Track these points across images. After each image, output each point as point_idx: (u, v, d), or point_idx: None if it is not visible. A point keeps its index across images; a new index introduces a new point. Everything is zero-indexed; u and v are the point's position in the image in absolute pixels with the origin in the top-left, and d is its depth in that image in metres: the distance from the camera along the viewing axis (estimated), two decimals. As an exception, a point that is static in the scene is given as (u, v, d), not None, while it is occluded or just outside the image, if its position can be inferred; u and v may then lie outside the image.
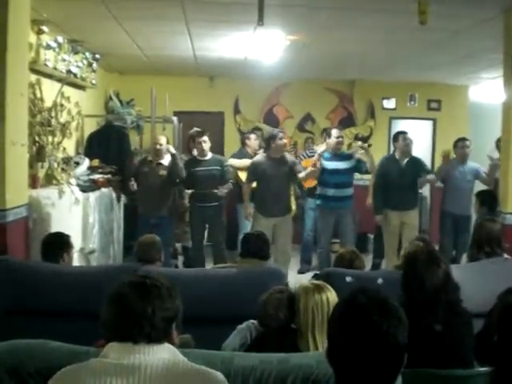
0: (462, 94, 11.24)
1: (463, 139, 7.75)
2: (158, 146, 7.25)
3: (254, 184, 7.28)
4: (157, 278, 2.06)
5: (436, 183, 7.99)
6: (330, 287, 3.10)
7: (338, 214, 7.31)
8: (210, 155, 7.42)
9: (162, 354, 1.94)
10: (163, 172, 7.21)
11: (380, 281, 3.97)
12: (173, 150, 7.20)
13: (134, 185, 7.25)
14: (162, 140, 7.35)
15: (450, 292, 2.93)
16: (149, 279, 2.04)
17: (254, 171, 7.14)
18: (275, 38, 6.87)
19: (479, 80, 10.29)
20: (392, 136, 7.75)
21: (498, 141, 7.13)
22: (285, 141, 7.21)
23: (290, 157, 7.43)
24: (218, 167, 7.38)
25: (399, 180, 7.34)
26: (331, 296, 3.01)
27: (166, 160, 7.29)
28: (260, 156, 7.29)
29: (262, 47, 7.52)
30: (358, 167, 7.36)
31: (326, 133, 7.72)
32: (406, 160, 7.43)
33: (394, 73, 9.73)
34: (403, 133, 7.57)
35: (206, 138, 7.35)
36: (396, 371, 1.76)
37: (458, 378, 2.68)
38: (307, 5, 5.52)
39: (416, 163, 7.53)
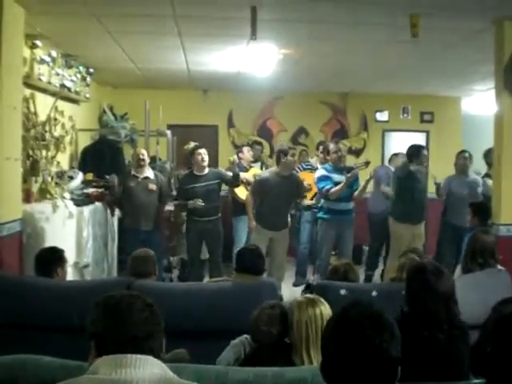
0: (454, 106, 11.30)
1: (462, 151, 7.79)
2: (141, 156, 7.16)
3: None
4: (145, 297, 2.03)
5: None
6: (323, 301, 3.09)
7: (339, 227, 7.24)
8: (207, 170, 7.34)
9: (153, 370, 1.88)
10: (152, 186, 7.16)
11: (374, 293, 3.97)
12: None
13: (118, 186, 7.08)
14: (144, 151, 7.34)
15: (456, 303, 2.94)
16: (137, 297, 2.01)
17: (260, 188, 7.06)
18: (268, 51, 6.90)
19: (471, 92, 10.35)
20: (410, 147, 7.58)
21: (488, 152, 7.19)
22: (296, 158, 7.11)
23: (296, 175, 7.40)
24: (217, 180, 7.34)
25: (415, 191, 7.30)
26: (325, 310, 3.01)
27: (150, 173, 7.25)
28: (268, 172, 7.21)
29: (255, 61, 7.55)
30: (353, 184, 7.23)
31: (324, 148, 7.71)
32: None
33: (387, 85, 9.78)
34: (424, 148, 7.45)
35: (204, 150, 7.29)
36: (390, 385, 1.77)
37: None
38: (299, 19, 5.55)
39: (426, 176, 7.53)
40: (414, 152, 7.31)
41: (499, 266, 4.54)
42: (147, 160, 7.29)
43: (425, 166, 7.42)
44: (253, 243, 5.93)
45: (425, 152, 7.35)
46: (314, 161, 8.66)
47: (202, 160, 7.24)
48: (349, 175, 6.90)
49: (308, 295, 3.23)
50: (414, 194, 7.25)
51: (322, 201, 7.29)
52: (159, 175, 7.43)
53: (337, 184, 7.06)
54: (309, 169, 8.41)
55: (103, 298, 2.01)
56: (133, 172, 7.23)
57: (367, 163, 7.34)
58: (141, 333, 1.92)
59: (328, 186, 7.07)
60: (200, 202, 7.04)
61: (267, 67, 7.95)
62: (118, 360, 1.87)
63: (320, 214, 7.40)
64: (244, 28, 5.37)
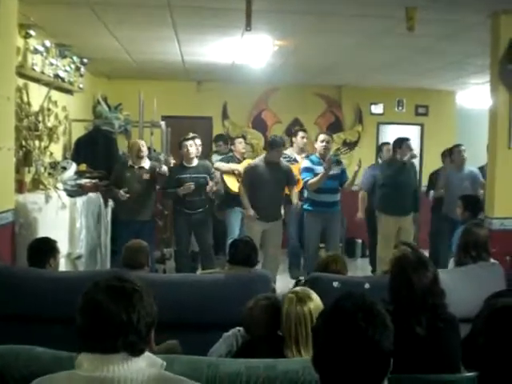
0: (449, 100, 11.31)
1: (458, 145, 7.85)
2: (141, 147, 7.20)
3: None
4: (134, 281, 1.92)
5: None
6: (313, 296, 3.04)
7: (325, 219, 7.26)
8: (196, 162, 7.38)
9: (140, 364, 1.83)
10: (146, 175, 7.17)
11: (367, 286, 3.97)
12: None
13: (124, 195, 7.05)
14: (144, 143, 7.37)
15: (437, 295, 2.93)
16: (127, 283, 1.90)
17: (250, 175, 7.07)
18: (263, 43, 6.88)
19: (467, 85, 10.35)
20: (395, 140, 7.66)
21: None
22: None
23: (285, 163, 7.39)
24: (205, 175, 7.36)
25: (401, 183, 7.35)
26: (314, 306, 2.95)
27: (146, 163, 7.26)
28: (257, 160, 7.25)
29: (250, 52, 7.53)
30: (341, 177, 7.32)
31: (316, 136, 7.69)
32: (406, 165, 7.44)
33: (382, 78, 9.76)
34: (407, 140, 7.51)
35: (191, 142, 7.32)
36: (382, 377, 1.76)
37: (444, 382, 2.68)
38: (294, 10, 5.53)
39: (414, 170, 7.57)
40: (397, 144, 7.52)
41: (492, 260, 4.55)
42: (146, 151, 7.34)
43: (411, 158, 7.47)
44: (246, 235, 5.92)
45: (407, 143, 7.43)
46: (289, 152, 8.48)
47: (188, 152, 7.29)
48: (325, 165, 6.95)
49: (298, 290, 3.18)
50: (398, 185, 7.29)
51: (307, 192, 7.31)
52: (154, 164, 7.40)
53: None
54: (287, 161, 8.30)
55: (84, 292, 1.92)
56: (130, 162, 7.27)
57: (350, 145, 7.38)
58: (123, 327, 1.83)
59: (307, 178, 7.12)
60: (190, 185, 7.08)
61: (262, 59, 7.93)
62: (101, 357, 1.82)
63: (305, 206, 7.42)
64: (239, 19, 5.34)
